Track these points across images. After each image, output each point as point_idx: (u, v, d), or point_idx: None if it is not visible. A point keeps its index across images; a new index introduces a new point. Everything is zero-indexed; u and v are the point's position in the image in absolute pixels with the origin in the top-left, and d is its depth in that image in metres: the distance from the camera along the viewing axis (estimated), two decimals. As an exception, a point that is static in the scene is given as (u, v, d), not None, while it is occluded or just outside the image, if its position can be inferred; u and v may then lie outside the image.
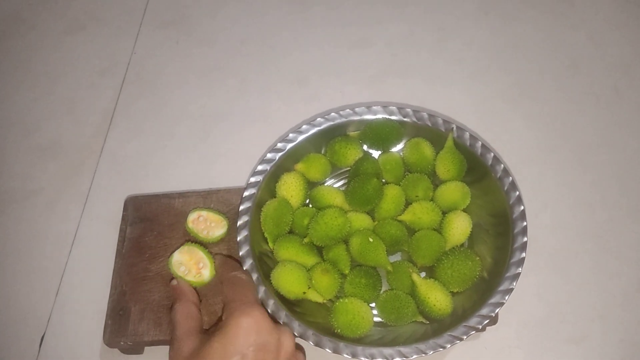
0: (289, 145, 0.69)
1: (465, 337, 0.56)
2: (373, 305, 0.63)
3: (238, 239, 0.63)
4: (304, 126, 0.70)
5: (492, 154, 0.66)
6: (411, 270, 0.62)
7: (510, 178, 0.64)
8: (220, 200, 0.71)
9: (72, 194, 0.79)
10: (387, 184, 0.69)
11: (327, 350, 0.56)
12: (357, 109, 0.71)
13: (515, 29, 0.94)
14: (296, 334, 0.57)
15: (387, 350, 0.55)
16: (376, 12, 0.97)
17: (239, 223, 0.64)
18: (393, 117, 0.71)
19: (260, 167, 0.68)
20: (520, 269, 0.59)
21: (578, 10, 0.95)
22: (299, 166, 0.69)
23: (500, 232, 0.63)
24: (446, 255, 0.63)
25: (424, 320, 0.61)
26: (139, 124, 0.86)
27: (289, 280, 0.61)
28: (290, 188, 0.67)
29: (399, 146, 0.72)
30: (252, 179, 0.67)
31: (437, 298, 0.60)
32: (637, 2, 0.96)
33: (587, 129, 0.82)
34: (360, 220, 0.66)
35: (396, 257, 0.67)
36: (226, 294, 0.58)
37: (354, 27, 0.95)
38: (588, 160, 0.79)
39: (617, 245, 0.72)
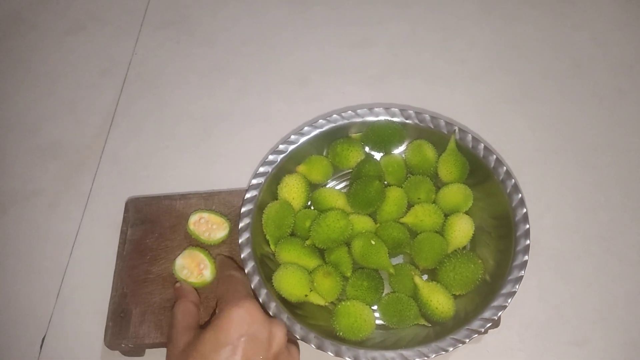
0: (291, 147, 0.69)
1: (467, 340, 0.55)
2: (375, 308, 0.62)
3: (239, 241, 0.63)
4: (306, 128, 0.70)
5: (495, 156, 0.66)
6: (413, 273, 0.62)
7: (513, 180, 0.64)
8: (221, 202, 0.71)
9: (73, 195, 0.79)
10: (389, 186, 0.69)
11: (329, 353, 0.55)
12: (359, 111, 0.71)
13: (518, 29, 0.93)
14: (298, 337, 0.56)
15: (390, 354, 0.55)
16: (377, 11, 0.97)
17: (240, 225, 0.64)
18: (395, 119, 0.70)
19: (261, 169, 0.68)
20: (522, 271, 0.59)
21: (580, 11, 0.95)
22: (301, 168, 0.69)
23: (502, 234, 0.63)
24: (448, 258, 0.62)
25: (426, 323, 0.60)
26: (139, 124, 0.85)
27: (290, 282, 0.60)
28: (292, 190, 0.67)
29: (401, 148, 0.72)
30: (254, 181, 0.67)
31: (440, 301, 0.60)
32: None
33: (590, 130, 0.81)
34: (362, 222, 0.65)
35: (398, 260, 0.67)
36: (220, 289, 0.59)
37: (355, 27, 0.95)
38: (591, 161, 0.78)
39: (620, 247, 0.71)
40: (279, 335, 0.53)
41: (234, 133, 0.84)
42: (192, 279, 0.64)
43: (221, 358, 0.48)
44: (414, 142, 0.70)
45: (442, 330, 0.58)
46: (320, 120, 0.70)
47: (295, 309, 0.61)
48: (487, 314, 0.57)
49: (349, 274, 0.63)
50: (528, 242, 0.60)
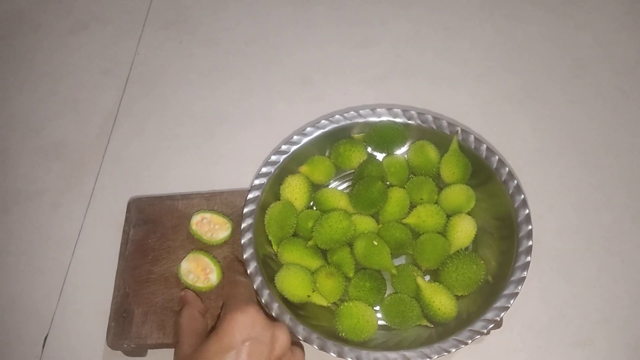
0: (293, 148, 0.69)
1: (470, 341, 0.55)
2: (377, 308, 0.62)
3: (242, 241, 0.63)
4: (308, 128, 0.70)
5: (497, 157, 0.66)
6: (416, 274, 0.62)
7: (515, 181, 0.64)
8: (224, 202, 0.71)
9: (75, 195, 0.79)
10: (392, 186, 0.68)
11: (332, 354, 0.55)
12: (361, 111, 0.71)
13: (521, 29, 0.93)
14: (300, 338, 0.56)
15: (392, 355, 0.55)
16: (380, 11, 0.97)
17: (243, 225, 0.64)
18: (397, 120, 0.70)
19: (264, 170, 0.68)
20: (525, 272, 0.59)
21: (583, 11, 0.95)
22: (303, 168, 0.69)
23: (504, 235, 0.63)
24: (451, 258, 0.62)
25: (428, 324, 0.60)
26: (142, 124, 0.85)
27: (293, 283, 0.60)
28: (295, 190, 0.67)
29: (404, 149, 0.72)
30: (256, 181, 0.67)
31: (442, 302, 0.60)
32: (643, 3, 0.95)
33: (592, 130, 0.81)
34: (365, 223, 0.65)
35: (400, 261, 0.67)
36: (225, 293, 0.62)
37: (357, 27, 0.95)
38: (593, 162, 0.78)
39: (623, 248, 0.71)
40: (282, 338, 0.53)
41: (236, 133, 0.84)
42: (200, 283, 0.64)
43: None
44: (416, 143, 0.70)
45: (444, 331, 0.59)
46: (322, 121, 0.70)
47: (298, 309, 0.61)
48: (489, 315, 0.57)
49: (351, 275, 0.63)
50: (530, 243, 0.60)
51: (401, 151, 0.72)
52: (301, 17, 0.97)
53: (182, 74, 0.91)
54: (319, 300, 0.61)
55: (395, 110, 0.70)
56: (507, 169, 0.65)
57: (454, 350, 0.55)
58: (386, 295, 0.63)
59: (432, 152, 0.69)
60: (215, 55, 0.93)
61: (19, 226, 0.77)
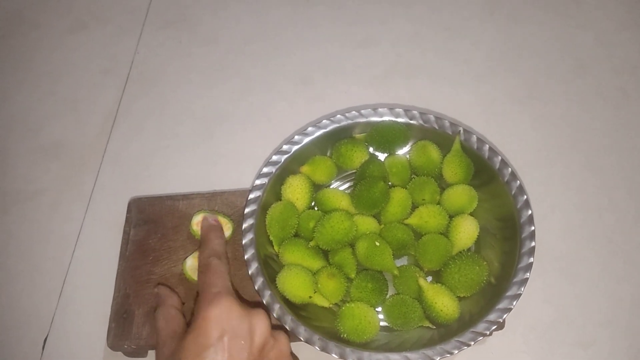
0: (295, 148, 0.69)
1: (472, 343, 0.55)
2: (379, 309, 0.62)
3: (243, 242, 0.62)
4: (310, 128, 0.70)
5: (500, 158, 0.66)
6: (418, 275, 0.62)
7: (518, 182, 0.64)
8: (224, 203, 0.70)
9: (75, 195, 0.79)
10: (394, 187, 0.68)
11: (334, 355, 0.55)
12: (363, 111, 0.70)
13: (522, 29, 0.93)
14: (302, 339, 0.56)
15: (394, 356, 0.55)
16: (381, 11, 0.97)
17: (244, 226, 0.63)
18: (399, 119, 0.70)
19: (265, 170, 0.67)
20: (528, 274, 0.58)
21: (585, 11, 0.95)
22: (305, 168, 0.68)
23: (507, 236, 0.63)
24: (453, 259, 0.62)
25: (430, 326, 0.60)
26: (142, 124, 0.85)
27: (294, 284, 0.60)
28: (296, 191, 0.67)
29: (406, 149, 0.71)
30: (258, 182, 0.66)
31: (444, 303, 0.59)
32: (645, 3, 0.95)
33: (595, 131, 0.81)
34: (367, 223, 0.65)
35: (402, 261, 0.67)
36: (198, 281, 0.57)
37: (358, 27, 0.95)
38: (596, 162, 0.78)
39: (626, 249, 0.71)
40: (261, 325, 0.52)
41: (237, 133, 0.83)
42: None
43: None
44: (418, 143, 0.70)
45: (446, 332, 0.58)
46: (324, 121, 0.70)
47: (300, 310, 0.60)
48: (492, 316, 0.56)
49: (353, 276, 0.62)
50: (533, 244, 0.60)
51: (403, 151, 0.71)
52: (301, 16, 0.97)
53: (182, 74, 0.91)
54: (320, 301, 0.61)
55: (397, 110, 0.70)
56: (509, 169, 0.65)
57: (456, 351, 0.55)
58: (388, 296, 0.62)
59: (434, 152, 0.68)
60: (215, 55, 0.93)
61: (18, 226, 0.76)
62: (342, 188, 0.72)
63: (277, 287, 0.60)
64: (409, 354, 0.55)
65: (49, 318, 0.69)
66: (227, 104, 0.87)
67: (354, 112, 0.70)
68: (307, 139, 0.69)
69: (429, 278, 0.64)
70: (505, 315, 0.56)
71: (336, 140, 0.71)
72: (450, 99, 0.84)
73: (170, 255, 0.67)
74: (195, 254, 0.64)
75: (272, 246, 0.65)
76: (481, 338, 0.55)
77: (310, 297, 0.60)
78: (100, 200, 0.78)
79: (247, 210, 0.64)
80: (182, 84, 0.89)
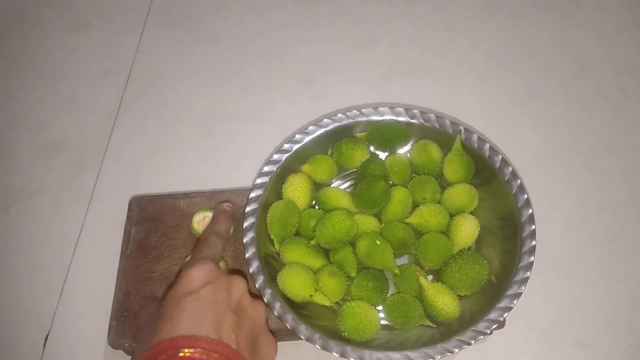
0: (296, 146, 0.69)
1: (473, 341, 0.55)
2: (380, 308, 0.62)
3: (244, 240, 0.62)
4: (311, 127, 0.70)
5: (500, 157, 0.66)
6: (418, 274, 0.62)
7: (519, 181, 0.64)
8: (225, 201, 0.70)
9: (76, 194, 0.79)
10: (394, 186, 0.68)
11: (334, 354, 0.55)
12: (364, 110, 0.70)
13: (522, 29, 0.93)
14: (303, 338, 0.56)
15: (395, 355, 0.55)
16: (382, 10, 0.97)
17: (245, 225, 0.63)
18: (400, 118, 0.70)
19: (266, 168, 0.67)
20: (528, 273, 0.58)
21: (585, 11, 0.95)
22: (306, 167, 0.69)
23: (508, 235, 0.63)
24: (454, 258, 0.62)
25: (431, 324, 0.60)
26: (143, 122, 0.85)
27: (295, 282, 0.60)
28: (297, 189, 0.67)
29: (406, 148, 0.71)
30: (259, 180, 0.66)
31: (445, 302, 0.59)
32: (645, 3, 0.95)
33: (595, 131, 0.81)
34: (367, 222, 0.65)
35: (403, 260, 0.67)
36: (192, 251, 0.62)
37: (359, 26, 0.95)
38: (595, 162, 0.78)
39: (626, 248, 0.71)
40: (239, 283, 0.54)
41: (238, 132, 0.83)
42: None
43: (185, 308, 0.49)
44: (419, 142, 0.70)
45: (447, 331, 0.58)
46: (325, 120, 0.70)
47: (300, 309, 0.60)
48: (492, 315, 0.57)
49: (353, 274, 0.62)
50: (534, 243, 0.60)
51: (404, 150, 0.72)
52: (303, 15, 0.97)
53: (183, 73, 0.91)
54: (321, 299, 0.61)
55: (397, 109, 0.70)
56: (510, 168, 0.65)
57: (457, 350, 0.55)
58: (389, 295, 0.62)
59: (435, 151, 0.69)
60: (217, 54, 0.93)
61: (19, 225, 0.76)
62: (343, 187, 0.72)
63: (277, 285, 0.61)
64: (409, 353, 0.55)
65: (49, 316, 0.69)
66: (228, 103, 0.87)
67: (354, 111, 0.70)
68: (308, 138, 0.69)
69: (430, 277, 0.64)
70: (505, 314, 0.56)
71: (337, 139, 0.71)
72: (451, 99, 0.84)
73: (171, 254, 0.67)
74: None
75: (273, 245, 0.65)
76: (482, 337, 0.55)
77: (311, 295, 0.61)
78: (101, 198, 0.78)
79: (248, 209, 0.64)
80: (183, 83, 0.90)
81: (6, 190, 0.79)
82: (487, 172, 0.67)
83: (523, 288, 0.58)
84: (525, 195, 0.63)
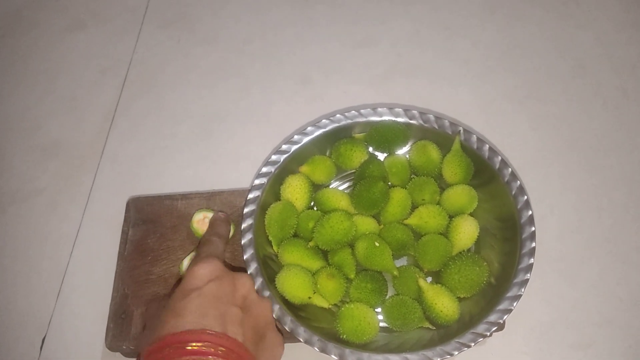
0: (294, 147, 0.68)
1: (473, 344, 0.55)
2: (379, 310, 0.62)
3: (242, 242, 0.62)
4: (309, 128, 0.70)
5: (500, 158, 0.65)
6: (417, 275, 0.61)
7: (518, 182, 0.63)
8: (223, 202, 0.70)
9: (73, 195, 0.78)
10: (393, 187, 0.68)
11: (333, 356, 0.55)
12: (362, 111, 0.70)
13: (521, 29, 0.93)
14: (301, 340, 0.56)
15: (394, 357, 0.54)
16: (381, 10, 0.96)
17: (243, 226, 0.63)
18: (399, 119, 0.70)
19: (264, 169, 0.67)
20: (528, 275, 0.58)
21: (584, 11, 0.94)
22: (304, 168, 0.68)
23: (507, 237, 0.63)
24: (453, 260, 0.62)
25: (430, 326, 0.60)
26: (140, 123, 0.85)
27: (294, 284, 0.60)
28: (295, 191, 0.66)
29: (405, 149, 0.71)
30: (257, 181, 0.66)
31: (444, 304, 0.59)
32: (644, 3, 0.95)
33: (594, 131, 0.81)
34: (366, 224, 0.65)
35: (402, 262, 0.66)
36: (196, 252, 0.62)
37: (358, 26, 0.95)
38: (595, 163, 0.78)
39: (625, 249, 0.71)
40: (245, 281, 0.55)
41: (236, 133, 0.83)
42: None
43: (191, 303, 0.50)
44: (418, 143, 0.70)
45: (446, 333, 0.58)
46: (323, 120, 0.70)
47: (299, 311, 0.60)
48: (492, 317, 0.56)
49: (352, 276, 0.62)
50: (534, 244, 0.60)
51: (403, 151, 0.71)
52: (301, 15, 0.96)
53: (180, 73, 0.90)
54: (319, 301, 0.61)
55: (396, 109, 0.70)
56: (509, 169, 0.64)
57: (456, 353, 0.54)
58: (387, 297, 0.62)
59: (434, 152, 0.68)
60: (214, 54, 0.92)
61: (16, 226, 0.76)
62: (341, 188, 0.72)
63: (276, 287, 0.60)
64: (408, 355, 0.55)
65: (47, 318, 0.68)
66: (226, 104, 0.86)
67: (353, 111, 0.70)
68: (306, 139, 0.69)
69: (429, 279, 0.64)
70: (505, 317, 0.56)
71: (335, 140, 0.70)
72: (450, 99, 0.84)
73: (169, 255, 0.67)
74: (192, 255, 0.64)
75: (271, 246, 0.65)
76: (481, 339, 0.55)
77: (309, 297, 0.60)
78: (99, 199, 0.78)
79: (246, 210, 0.64)
80: (180, 84, 0.89)
81: (3, 192, 0.79)
82: (486, 173, 0.66)
83: (523, 290, 0.57)
84: (525, 197, 0.63)
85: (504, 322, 0.57)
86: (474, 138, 0.67)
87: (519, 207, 0.62)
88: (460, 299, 0.61)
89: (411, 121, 0.70)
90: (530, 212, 0.61)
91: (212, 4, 0.99)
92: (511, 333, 0.64)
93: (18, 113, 0.87)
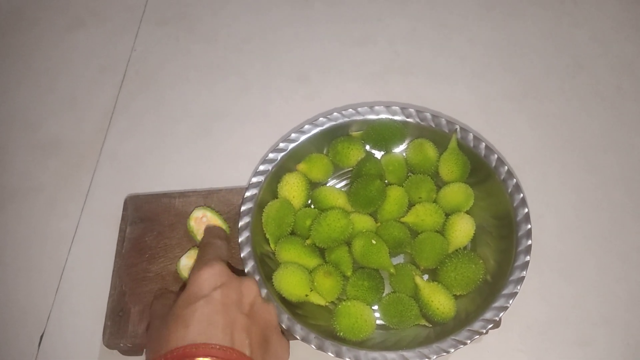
0: (291, 145, 0.69)
1: (469, 341, 0.55)
2: (375, 308, 0.62)
3: (239, 240, 0.62)
4: (306, 126, 0.70)
5: (496, 156, 0.66)
6: (414, 273, 0.62)
7: (515, 180, 0.64)
8: (221, 200, 0.70)
9: (71, 192, 0.78)
10: (390, 185, 0.68)
11: (330, 354, 0.55)
12: (359, 109, 0.70)
13: (518, 26, 0.93)
14: (298, 337, 0.56)
15: (390, 355, 0.55)
16: (378, 8, 0.96)
17: (240, 224, 0.63)
18: (396, 117, 0.70)
19: (262, 167, 0.67)
20: (524, 272, 0.58)
21: (581, 9, 0.95)
22: (301, 166, 0.68)
23: (503, 234, 0.63)
24: (449, 257, 0.62)
25: (426, 324, 0.60)
26: (139, 121, 0.85)
27: (291, 282, 0.60)
28: (292, 189, 0.66)
29: (402, 147, 0.71)
30: (254, 179, 0.66)
31: (441, 301, 0.59)
32: (642, 1, 0.95)
33: (591, 129, 0.81)
34: (363, 221, 0.65)
35: (399, 260, 0.67)
36: (197, 255, 0.61)
37: (355, 24, 0.95)
38: (592, 160, 0.78)
39: (622, 247, 0.71)
40: (250, 285, 0.54)
41: (234, 131, 0.83)
42: None
43: (197, 311, 0.49)
44: (415, 141, 0.70)
45: (442, 330, 0.58)
46: (320, 118, 0.70)
47: (296, 308, 0.60)
48: (488, 314, 0.56)
49: (349, 274, 0.62)
50: (530, 242, 0.60)
51: (400, 149, 0.71)
52: (299, 14, 0.96)
53: (179, 71, 0.91)
54: (316, 299, 0.61)
55: (393, 108, 0.70)
56: (506, 167, 0.65)
57: (452, 350, 0.55)
58: (384, 294, 0.62)
59: (430, 150, 0.68)
60: (213, 52, 0.93)
61: (15, 224, 0.76)
62: (338, 186, 0.72)
63: (273, 285, 0.60)
64: (405, 353, 0.55)
65: (45, 315, 0.69)
66: (224, 102, 0.86)
67: (350, 109, 0.70)
68: (303, 137, 0.69)
69: (425, 276, 0.64)
70: (501, 314, 0.56)
71: (333, 138, 0.71)
72: (447, 97, 0.84)
73: (167, 253, 0.67)
74: (190, 254, 0.64)
75: (269, 244, 0.65)
76: (477, 336, 0.55)
77: (306, 295, 0.60)
78: (97, 197, 0.78)
79: (243, 208, 0.64)
80: (179, 82, 0.89)
81: (2, 189, 0.79)
82: (482, 171, 0.66)
83: (519, 287, 0.58)
84: (521, 195, 0.63)
85: (500, 319, 0.57)
86: (471, 136, 0.67)
87: (515, 204, 0.62)
88: (456, 297, 0.61)
89: (408, 119, 0.70)
90: (526, 210, 0.62)
91: (211, 2, 0.99)
92: (507, 330, 0.64)
93: (18, 111, 0.87)
